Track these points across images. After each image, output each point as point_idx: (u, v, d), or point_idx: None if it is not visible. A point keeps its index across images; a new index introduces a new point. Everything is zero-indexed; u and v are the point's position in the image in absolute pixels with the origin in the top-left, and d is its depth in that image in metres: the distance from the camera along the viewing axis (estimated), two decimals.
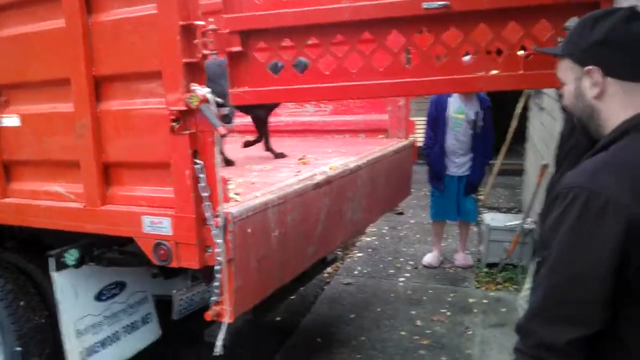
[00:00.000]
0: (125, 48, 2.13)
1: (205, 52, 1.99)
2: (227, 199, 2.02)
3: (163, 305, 3.01)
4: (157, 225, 2.09)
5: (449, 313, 4.21)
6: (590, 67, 1.16)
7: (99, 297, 2.70)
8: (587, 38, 1.16)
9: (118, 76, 2.20)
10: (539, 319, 1.12)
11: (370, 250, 5.81)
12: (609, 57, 1.14)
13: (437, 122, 4.86)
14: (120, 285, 2.82)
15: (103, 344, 2.70)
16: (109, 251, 2.59)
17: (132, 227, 2.17)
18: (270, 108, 3.61)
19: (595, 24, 1.15)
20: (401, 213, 6.98)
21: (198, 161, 1.98)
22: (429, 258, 5.29)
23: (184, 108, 1.95)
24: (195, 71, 2.00)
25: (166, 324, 3.05)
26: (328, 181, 2.75)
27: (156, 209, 2.13)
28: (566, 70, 1.23)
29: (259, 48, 2.11)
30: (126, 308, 2.85)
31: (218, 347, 2.12)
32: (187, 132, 1.98)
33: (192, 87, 1.94)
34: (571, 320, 1.09)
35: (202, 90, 1.94)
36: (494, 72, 1.71)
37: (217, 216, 1.96)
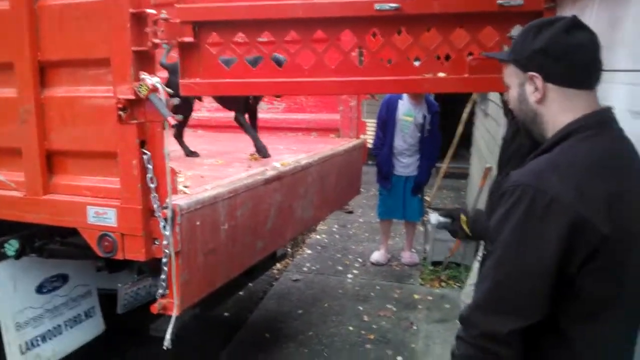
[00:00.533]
0: (72, 34, 2.07)
1: (156, 41, 1.97)
2: (175, 191, 2.00)
3: (107, 299, 2.95)
4: (102, 216, 2.05)
5: (394, 309, 4.30)
6: (532, 73, 1.21)
7: (39, 289, 2.61)
8: (530, 46, 1.21)
9: (64, 62, 2.15)
10: (483, 310, 1.17)
11: (319, 247, 5.86)
12: (549, 65, 1.19)
13: (386, 123, 4.99)
14: (63, 278, 2.74)
15: (44, 337, 2.62)
16: (51, 242, 2.51)
17: (76, 218, 2.12)
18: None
19: (538, 32, 1.20)
20: (351, 212, 7.07)
21: (146, 151, 1.95)
22: (377, 256, 5.39)
23: (132, 97, 1.92)
24: (144, 60, 1.97)
25: (111, 318, 2.99)
26: (279, 177, 2.77)
27: (101, 199, 2.08)
28: (511, 75, 1.29)
29: (211, 37, 2.10)
30: (68, 301, 2.77)
31: (167, 341, 2.09)
32: (135, 121, 1.95)
33: (142, 76, 1.91)
34: (514, 311, 1.13)
35: (152, 80, 1.91)
36: (441, 74, 1.77)
37: (165, 208, 1.94)
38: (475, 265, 3.01)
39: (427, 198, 5.81)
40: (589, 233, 1.08)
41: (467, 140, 7.50)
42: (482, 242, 3.07)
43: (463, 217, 1.99)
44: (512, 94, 1.31)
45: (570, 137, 1.18)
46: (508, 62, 1.29)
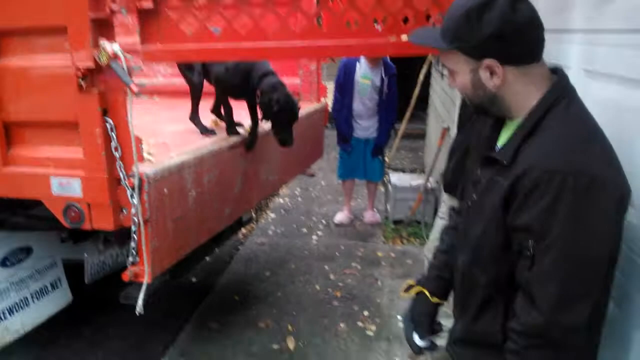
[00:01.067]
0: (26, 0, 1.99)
1: (114, 6, 1.92)
2: (141, 159, 2.00)
3: (74, 269, 2.93)
4: (66, 187, 2.03)
5: (359, 267, 4.44)
6: (488, 61, 1.16)
7: (3, 263, 2.58)
8: (478, 32, 1.14)
9: (18, 30, 2.07)
10: (564, 307, 1.10)
11: (283, 211, 5.92)
12: (505, 49, 1.15)
13: (345, 86, 5.01)
14: (26, 251, 2.71)
15: (11, 310, 2.61)
16: (14, 215, 2.48)
17: (39, 189, 2.09)
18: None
19: (481, 15, 1.13)
20: (313, 175, 7.12)
21: (108, 120, 1.93)
22: (340, 216, 5.50)
23: (92, 65, 1.88)
24: (103, 27, 1.93)
25: (79, 289, 2.98)
26: (243, 142, 2.78)
27: (65, 170, 2.06)
28: (457, 62, 1.22)
29: (171, 3, 2.06)
30: (33, 274, 2.75)
31: (139, 307, 2.11)
32: (96, 90, 1.92)
33: (101, 43, 1.88)
34: (591, 297, 1.10)
35: (112, 46, 1.87)
36: (405, 37, 1.80)
37: (131, 176, 1.94)
38: (438, 222, 3.12)
39: (386, 159, 5.92)
40: (626, 199, 1.10)
41: (423, 101, 7.61)
42: (443, 201, 3.20)
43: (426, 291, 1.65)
44: (463, 80, 1.24)
45: (553, 109, 1.16)
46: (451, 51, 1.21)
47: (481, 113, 1.32)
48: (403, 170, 7.01)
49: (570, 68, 1.26)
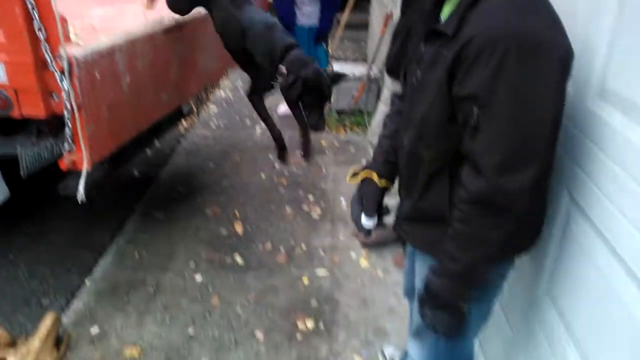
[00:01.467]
0: None
1: None
2: (67, 40, 1.89)
3: (10, 164, 2.83)
4: None
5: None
6: None
7: None
8: None
9: None
10: (510, 169, 1.13)
11: (225, 104, 5.82)
12: None
13: None
14: None
15: None
16: None
17: None
18: None
19: None
20: None
21: None
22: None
23: None
24: None
25: (17, 185, 2.90)
26: (179, 26, 2.65)
27: None
28: None
29: None
30: None
31: (80, 195, 2.10)
32: None
33: None
34: (534, 163, 1.13)
35: None
36: None
37: (58, 58, 1.83)
38: (380, 108, 3.17)
39: (329, 49, 5.81)
40: (570, 62, 1.13)
41: None
42: (385, 87, 3.20)
43: (374, 175, 1.67)
44: None
45: None
46: None
47: None
48: (345, 60, 6.93)
49: None
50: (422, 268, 1.50)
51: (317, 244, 3.24)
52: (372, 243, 3.12)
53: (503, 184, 1.13)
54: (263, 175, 4.15)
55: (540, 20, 1.12)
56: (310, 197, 3.82)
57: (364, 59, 7.00)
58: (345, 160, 4.43)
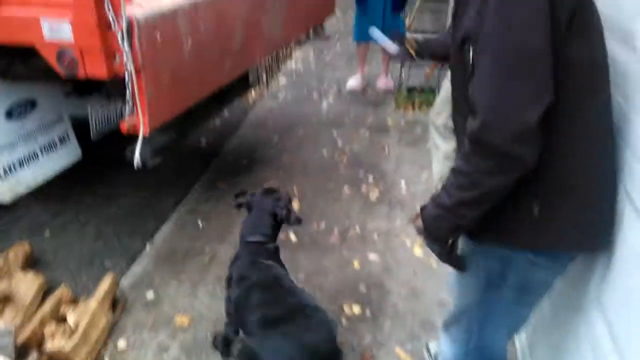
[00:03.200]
0: None
1: None
2: (129, 0, 1.89)
3: (82, 128, 2.94)
4: (56, 31, 1.94)
5: (368, 134, 4.41)
6: None
7: (8, 115, 2.58)
8: None
9: None
10: (502, 107, 1.06)
11: (295, 75, 5.79)
12: None
13: None
14: (31, 104, 2.70)
15: (21, 163, 2.66)
16: (13, 64, 2.43)
17: (31, 33, 2.00)
18: None
19: None
20: (328, 38, 6.82)
21: None
22: (352, 82, 5.36)
23: None
24: None
25: (89, 147, 3.02)
26: None
27: (54, 10, 1.95)
28: None
29: None
30: (40, 127, 2.77)
31: (136, 160, 2.11)
32: None
33: None
34: (534, 97, 1.05)
35: None
36: None
37: (120, 19, 1.84)
38: (445, 85, 3.01)
39: (405, 21, 5.61)
40: None
41: None
42: None
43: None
44: None
45: None
46: None
47: None
48: (424, 33, 6.68)
49: None
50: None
51: (372, 227, 3.14)
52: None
53: (492, 122, 1.07)
54: (325, 152, 4.09)
55: None
56: (370, 178, 3.71)
57: (441, 31, 6.73)
58: (410, 141, 4.27)
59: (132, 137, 2.09)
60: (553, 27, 1.04)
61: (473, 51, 1.11)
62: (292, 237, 3.01)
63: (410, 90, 5.09)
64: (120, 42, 1.85)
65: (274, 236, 2.12)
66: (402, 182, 3.62)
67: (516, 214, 1.21)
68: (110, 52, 1.92)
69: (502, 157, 1.09)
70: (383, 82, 5.31)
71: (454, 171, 1.21)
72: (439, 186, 1.40)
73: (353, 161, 3.95)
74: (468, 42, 1.12)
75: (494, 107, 1.07)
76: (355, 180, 3.67)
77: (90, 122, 2.87)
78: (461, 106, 1.25)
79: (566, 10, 1.06)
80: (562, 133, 1.14)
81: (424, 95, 4.99)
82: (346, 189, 3.56)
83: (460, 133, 1.30)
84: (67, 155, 2.96)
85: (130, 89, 1.95)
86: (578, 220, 1.21)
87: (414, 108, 4.87)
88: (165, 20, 2.01)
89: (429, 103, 4.88)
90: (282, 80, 5.64)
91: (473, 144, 1.12)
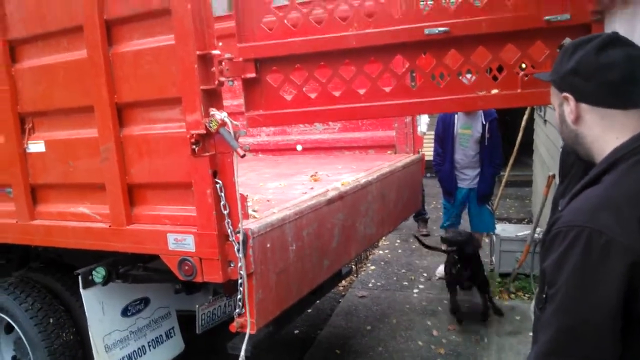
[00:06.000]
0: (145, 77, 2.25)
1: (222, 79, 2.12)
2: (247, 216, 2.14)
3: (186, 319, 3.12)
4: (181, 243, 2.21)
5: (463, 322, 4.27)
6: (565, 93, 1.22)
7: (124, 312, 2.82)
8: (565, 66, 1.21)
9: (139, 103, 2.32)
10: (553, 358, 1.13)
11: (383, 263, 5.89)
12: (579, 85, 1.19)
13: (444, 139, 4.97)
14: (145, 301, 2.94)
15: (130, 357, 2.82)
16: (134, 268, 2.72)
17: (157, 245, 2.29)
18: None
19: (574, 52, 1.20)
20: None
21: (218, 181, 2.10)
22: (442, 269, 5.35)
23: (203, 131, 2.07)
24: (212, 97, 2.12)
25: (189, 338, 3.16)
26: (340, 196, 2.86)
27: (180, 227, 2.24)
28: (553, 95, 1.29)
29: (272, 72, 2.24)
30: (150, 323, 2.97)
31: (242, 358, 2.22)
32: (207, 154, 2.10)
33: (211, 112, 2.07)
34: (585, 358, 1.10)
35: (220, 115, 2.06)
36: (494, 91, 1.81)
37: (237, 232, 2.07)
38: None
39: (493, 210, 5.72)
40: None
41: (527, 146, 7.35)
42: None
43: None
44: (556, 114, 1.30)
45: (618, 165, 1.15)
46: (550, 82, 1.29)
47: (576, 156, 1.35)
48: (508, 220, 6.72)
49: None
50: None
51: None
52: None
53: None
54: (420, 343, 3.97)
55: (628, 222, 1.07)
56: None
57: (528, 219, 6.74)
58: (510, 330, 4.08)
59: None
60: (630, 297, 1.07)
61: (547, 291, 1.16)
62: None
63: (504, 276, 4.99)
64: (236, 251, 2.07)
65: None
66: None
67: None
68: (226, 260, 2.14)
69: None
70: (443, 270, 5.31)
71: None
72: None
73: (450, 352, 3.80)
74: (545, 278, 1.18)
75: (551, 352, 1.14)
76: None
77: (196, 317, 3.04)
78: None
79: None
80: None
81: (519, 281, 4.86)
82: None
83: None
84: (171, 349, 3.10)
85: (242, 292, 2.12)
86: None
87: (509, 295, 4.72)
88: (275, 230, 2.24)
89: (526, 290, 4.74)
90: (370, 268, 5.75)
91: None
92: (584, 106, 1.20)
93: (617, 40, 1.18)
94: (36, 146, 2.69)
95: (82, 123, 2.50)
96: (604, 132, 1.20)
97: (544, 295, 1.17)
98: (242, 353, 2.23)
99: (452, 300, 4.38)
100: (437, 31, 1.79)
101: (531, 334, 1.70)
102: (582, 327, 1.09)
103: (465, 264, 4.23)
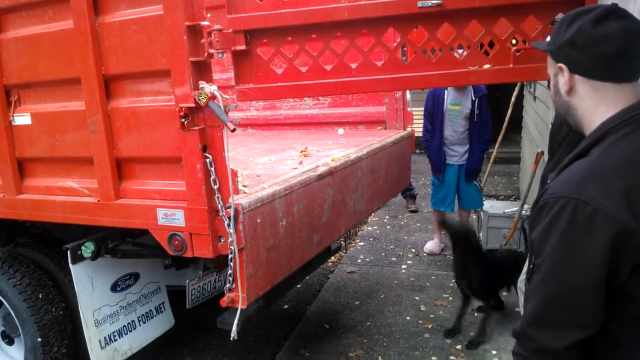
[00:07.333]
0: (133, 48, 2.20)
1: (212, 51, 2.08)
2: (237, 191, 2.13)
3: (175, 295, 3.13)
4: (170, 218, 2.20)
5: (451, 298, 4.33)
6: (560, 64, 1.22)
7: (114, 287, 2.81)
8: (562, 36, 1.20)
9: (127, 75, 2.28)
10: (537, 326, 1.15)
11: (372, 239, 5.93)
12: (574, 57, 1.19)
13: (434, 115, 4.96)
14: (134, 276, 2.94)
15: (120, 332, 2.82)
16: (123, 243, 2.70)
17: (147, 220, 2.27)
18: None
19: (571, 22, 1.19)
20: (415, 210, 6.83)
21: (208, 155, 2.08)
22: (430, 245, 5.41)
23: (192, 105, 2.04)
24: (202, 69, 2.09)
25: (179, 313, 3.17)
26: (330, 172, 2.86)
27: (169, 201, 2.23)
28: (549, 65, 1.28)
29: (262, 44, 2.21)
30: (140, 298, 2.97)
31: (233, 332, 2.24)
32: (197, 127, 2.07)
33: (200, 85, 2.04)
34: (569, 325, 1.12)
35: (210, 87, 2.03)
36: (487, 66, 1.80)
37: (228, 207, 2.06)
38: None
39: (481, 187, 5.76)
40: (637, 240, 1.06)
41: (516, 123, 7.37)
42: None
43: None
44: (551, 85, 1.30)
45: (607, 137, 1.16)
46: (546, 52, 1.28)
47: (568, 127, 1.35)
48: (496, 197, 6.78)
49: None
50: None
51: None
52: None
53: (530, 334, 1.17)
54: (408, 317, 4.02)
55: (614, 193, 1.08)
56: (458, 346, 3.57)
57: (516, 196, 6.80)
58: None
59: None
60: (613, 266, 1.08)
61: (534, 261, 1.18)
62: None
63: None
64: (226, 227, 2.06)
65: None
66: (493, 352, 3.45)
67: None
68: (216, 235, 2.13)
69: None
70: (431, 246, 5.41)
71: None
72: None
73: (438, 327, 3.85)
74: (532, 249, 1.20)
75: (534, 321, 1.17)
76: (443, 349, 3.55)
77: (186, 292, 3.05)
78: None
79: (634, 254, 1.08)
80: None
81: None
82: (434, 359, 3.43)
83: None
84: (161, 324, 3.11)
85: (232, 267, 2.12)
86: None
87: None
88: (265, 205, 2.23)
89: None
90: (359, 244, 5.79)
91: (515, 345, 1.23)
92: (577, 78, 1.20)
93: (616, 12, 1.17)
94: (22, 119, 2.64)
95: (69, 95, 2.46)
96: (596, 104, 1.20)
97: (532, 266, 1.20)
98: (234, 328, 2.24)
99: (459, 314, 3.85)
100: (430, 4, 1.77)
101: (517, 309, 1.74)
102: (567, 295, 1.12)
103: (474, 264, 3.57)
